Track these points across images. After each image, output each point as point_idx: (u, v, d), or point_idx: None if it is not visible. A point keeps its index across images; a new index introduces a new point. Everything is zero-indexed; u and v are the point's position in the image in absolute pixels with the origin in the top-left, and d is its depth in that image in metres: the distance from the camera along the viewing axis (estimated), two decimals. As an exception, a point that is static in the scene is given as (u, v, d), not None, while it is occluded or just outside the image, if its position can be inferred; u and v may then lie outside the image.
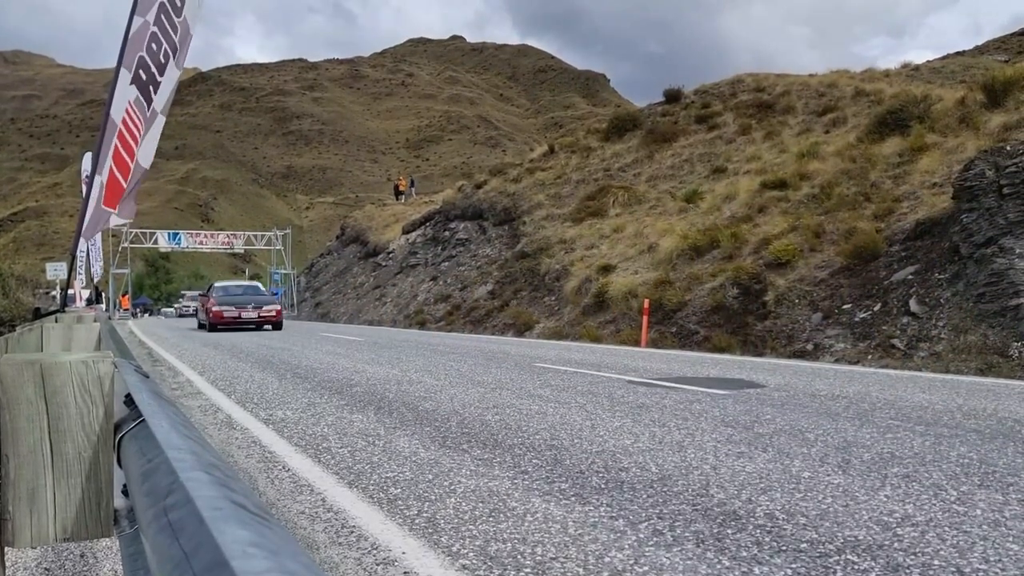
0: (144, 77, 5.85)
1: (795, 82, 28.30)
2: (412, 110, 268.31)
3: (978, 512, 3.37)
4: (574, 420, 5.84)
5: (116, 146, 5.74)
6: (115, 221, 6.38)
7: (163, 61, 6.03)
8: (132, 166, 6.21)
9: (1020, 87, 14.88)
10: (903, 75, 29.34)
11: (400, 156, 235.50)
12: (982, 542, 2.97)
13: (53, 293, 31.52)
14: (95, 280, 37.32)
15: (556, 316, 19.64)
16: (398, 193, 49.84)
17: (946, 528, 3.15)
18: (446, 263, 30.01)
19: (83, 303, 27.90)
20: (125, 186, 6.16)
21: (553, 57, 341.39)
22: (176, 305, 73.22)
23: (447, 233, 31.93)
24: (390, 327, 27.21)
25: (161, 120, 6.60)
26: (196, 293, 44.75)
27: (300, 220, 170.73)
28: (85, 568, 2.98)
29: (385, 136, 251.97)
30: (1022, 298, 9.81)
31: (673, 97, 31.47)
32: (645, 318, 15.38)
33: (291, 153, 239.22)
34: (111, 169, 5.76)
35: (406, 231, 37.14)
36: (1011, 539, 3.01)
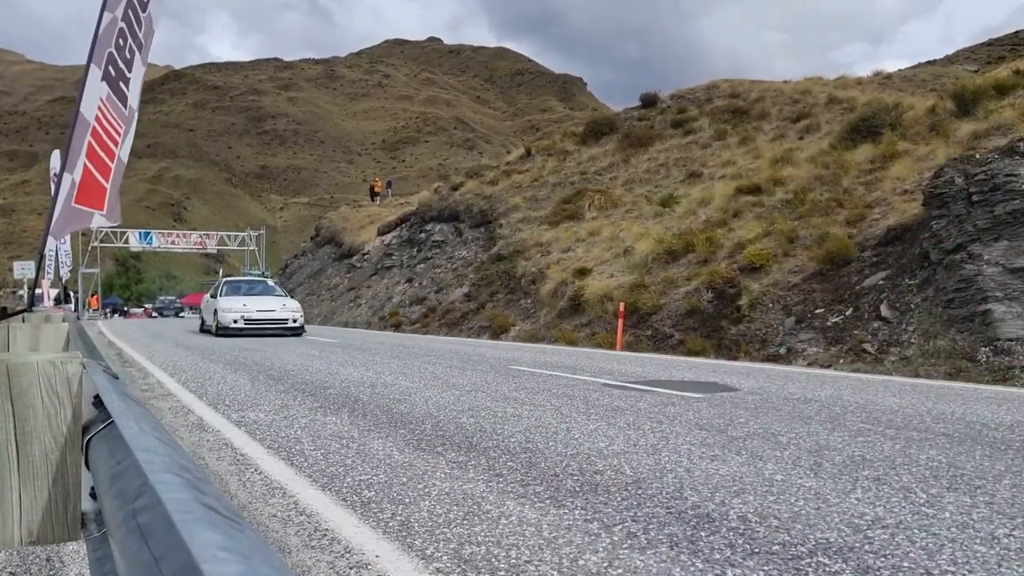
0: (114, 73, 5.77)
1: (770, 88, 28.60)
2: (388, 111, 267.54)
3: (947, 515, 3.41)
4: (549, 423, 5.84)
5: (90, 143, 5.65)
6: (99, 222, 6.27)
7: (129, 57, 5.95)
8: (113, 165, 6.12)
9: (989, 96, 15.15)
10: (875, 83, 29.77)
11: (376, 157, 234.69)
12: (950, 544, 3.01)
13: (20, 292, 31.01)
14: (64, 279, 36.77)
15: (532, 319, 19.66)
16: (373, 194, 49.64)
17: (915, 530, 3.18)
18: (422, 265, 29.93)
19: (51, 302, 27.50)
20: (106, 185, 6.06)
21: (530, 60, 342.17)
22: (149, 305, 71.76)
23: (423, 235, 31.86)
24: (365, 329, 27.08)
25: (135, 118, 6.52)
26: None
27: (274, 220, 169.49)
28: (51, 572, 2.93)
29: (361, 137, 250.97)
30: (990, 304, 9.97)
31: (649, 102, 31.68)
32: (620, 321, 15.44)
33: (265, 153, 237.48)
34: (86, 167, 5.66)
35: (381, 233, 37.00)
36: (979, 541, 3.05)
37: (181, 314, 61.17)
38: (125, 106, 6.05)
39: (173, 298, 72.61)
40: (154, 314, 59.90)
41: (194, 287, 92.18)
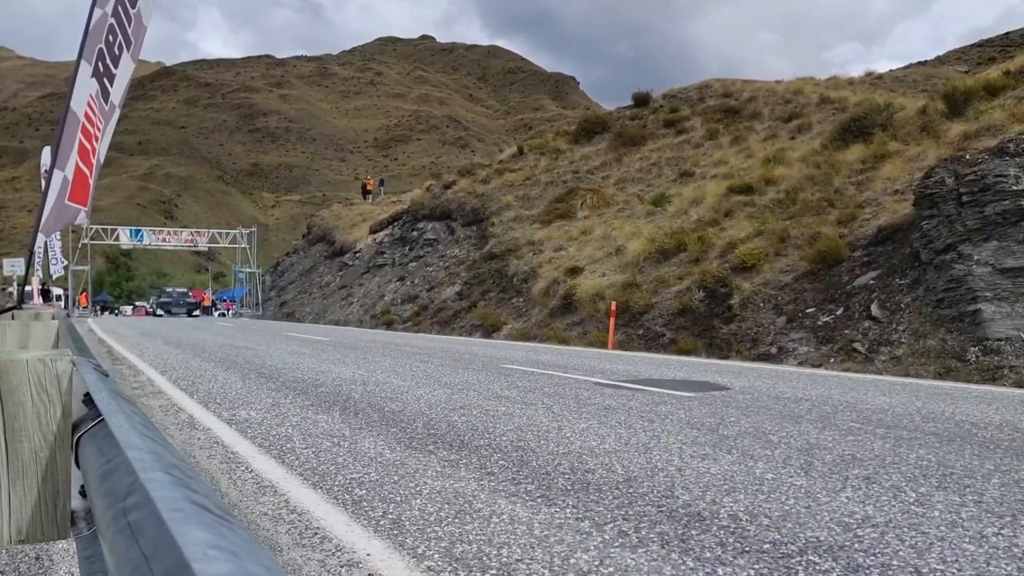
0: (102, 69, 5.74)
1: (762, 88, 28.66)
2: (381, 109, 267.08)
3: (936, 513, 3.43)
4: (541, 421, 5.84)
5: (80, 140, 5.63)
6: (82, 219, 6.26)
7: (117, 53, 5.93)
8: (95, 161, 6.11)
9: (979, 97, 15.22)
10: (867, 83, 29.88)
11: (368, 155, 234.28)
12: (939, 543, 3.03)
13: (10, 290, 30.85)
14: (53, 277, 36.52)
15: (524, 317, 19.66)
16: (366, 192, 49.60)
17: (905, 529, 3.20)
18: (414, 263, 29.90)
19: (40, 299, 27.37)
20: (91, 181, 6.05)
21: (523, 58, 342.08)
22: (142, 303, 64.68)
23: (415, 233, 31.82)
24: (356, 327, 27.03)
25: (117, 114, 6.50)
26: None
27: (266, 218, 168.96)
28: (40, 570, 2.91)
29: (353, 135, 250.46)
30: (980, 304, 10.02)
31: (642, 101, 31.73)
32: (612, 320, 15.46)
33: (257, 150, 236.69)
34: (77, 164, 5.64)
35: (373, 231, 36.96)
36: (967, 540, 3.06)
37: (195, 313, 46.71)
38: (107, 102, 6.03)
39: (184, 290, 53.81)
40: (159, 312, 46.06)
41: (186, 284, 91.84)
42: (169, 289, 53.58)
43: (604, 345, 15.21)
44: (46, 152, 15.59)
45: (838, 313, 11.89)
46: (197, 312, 47.10)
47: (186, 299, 48.36)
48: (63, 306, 42.43)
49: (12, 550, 3.04)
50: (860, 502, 3.60)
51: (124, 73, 6.21)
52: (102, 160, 6.55)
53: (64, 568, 2.92)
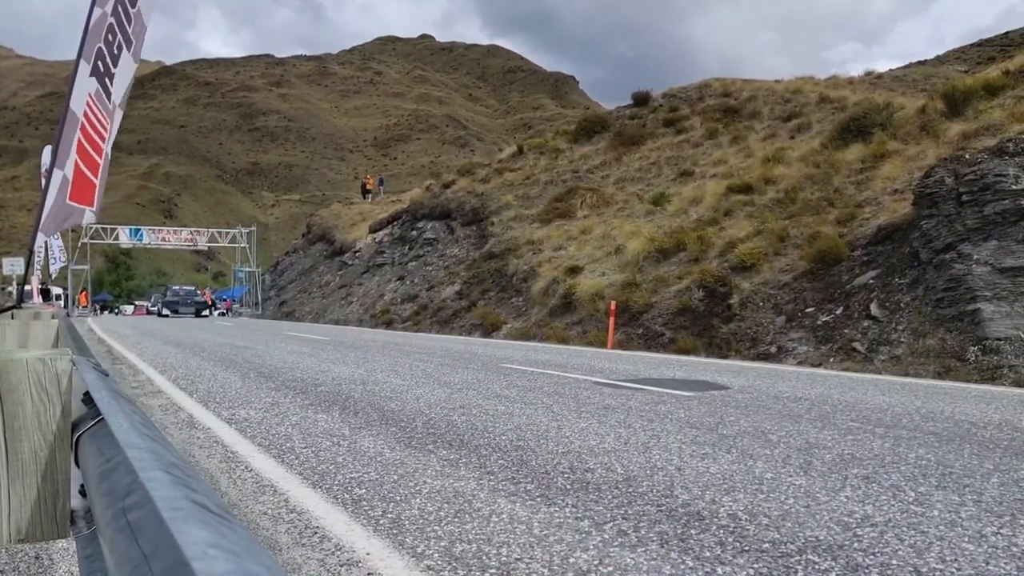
0: (102, 69, 5.74)
1: (761, 88, 28.66)
2: (380, 108, 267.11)
3: (935, 513, 3.43)
4: (540, 421, 5.84)
5: (80, 140, 5.62)
6: (89, 219, 6.25)
7: (117, 53, 5.93)
8: (101, 161, 6.10)
9: (979, 97, 15.21)
10: (866, 83, 29.89)
11: (368, 154, 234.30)
12: (939, 542, 3.03)
13: (9, 289, 30.83)
14: (52, 276, 36.43)
15: (523, 317, 19.66)
16: (365, 192, 49.61)
17: (904, 528, 3.20)
18: (413, 263, 29.90)
19: (40, 299, 27.36)
20: (95, 182, 6.04)
21: (523, 58, 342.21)
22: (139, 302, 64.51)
23: (414, 233, 31.82)
24: (356, 327, 27.03)
25: (119, 114, 6.49)
26: None
27: (265, 218, 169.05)
28: (40, 570, 2.91)
29: (353, 134, 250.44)
30: (979, 303, 10.03)
31: (641, 100, 31.73)
32: (611, 320, 15.46)
33: (257, 150, 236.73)
34: (76, 163, 5.64)
35: (373, 230, 36.96)
36: (967, 539, 3.06)
37: (203, 313, 42.06)
38: (108, 101, 6.03)
39: (192, 288, 48.87)
40: (164, 311, 41.84)
41: (186, 283, 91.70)
42: (175, 287, 48.13)
43: (604, 344, 15.21)
44: (46, 151, 15.60)
45: (837, 312, 11.89)
46: (206, 312, 43.00)
47: (194, 298, 44.06)
48: (63, 305, 42.42)
49: (12, 549, 3.04)
50: (859, 501, 3.60)
51: (125, 72, 6.21)
52: (108, 160, 6.54)
53: (64, 567, 2.92)
